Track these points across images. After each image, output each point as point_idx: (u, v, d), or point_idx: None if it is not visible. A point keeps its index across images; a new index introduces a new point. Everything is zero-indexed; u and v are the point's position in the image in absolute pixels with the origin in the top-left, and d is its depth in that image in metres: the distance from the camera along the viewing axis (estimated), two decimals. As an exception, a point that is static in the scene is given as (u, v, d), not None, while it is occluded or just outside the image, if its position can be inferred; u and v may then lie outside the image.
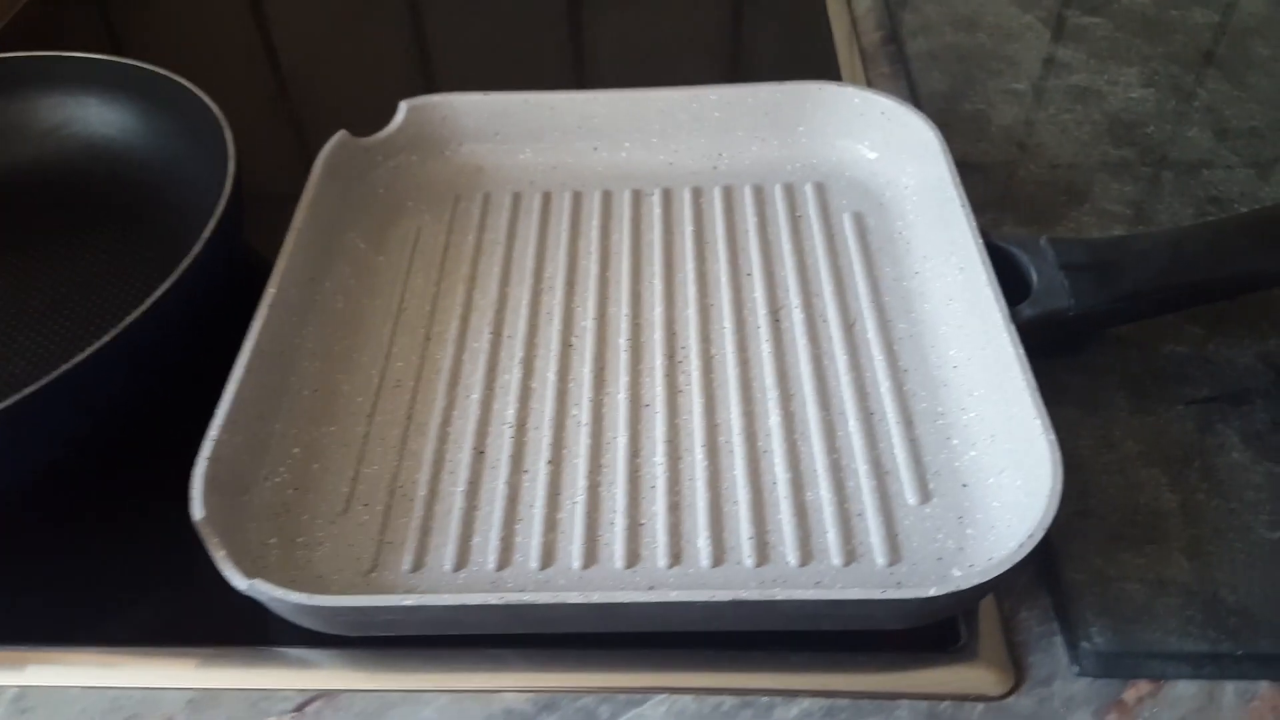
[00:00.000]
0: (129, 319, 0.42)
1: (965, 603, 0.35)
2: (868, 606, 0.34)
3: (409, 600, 0.34)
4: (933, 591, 0.33)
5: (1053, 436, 0.37)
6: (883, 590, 0.34)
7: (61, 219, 0.57)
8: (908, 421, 0.43)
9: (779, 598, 0.34)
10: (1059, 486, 0.36)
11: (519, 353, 0.47)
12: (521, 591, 0.38)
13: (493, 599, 0.34)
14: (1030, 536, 0.35)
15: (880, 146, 0.54)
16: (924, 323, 0.47)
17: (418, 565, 0.40)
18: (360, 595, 0.35)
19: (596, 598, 0.34)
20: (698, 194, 0.55)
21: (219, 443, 0.39)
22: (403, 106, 0.55)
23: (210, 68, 0.70)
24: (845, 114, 0.55)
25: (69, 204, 0.58)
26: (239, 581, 0.35)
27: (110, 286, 0.53)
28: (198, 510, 0.37)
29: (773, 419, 0.44)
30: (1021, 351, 0.41)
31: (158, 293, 0.42)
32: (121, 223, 0.56)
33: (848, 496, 0.41)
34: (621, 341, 0.48)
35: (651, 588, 0.38)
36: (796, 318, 0.48)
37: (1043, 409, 0.38)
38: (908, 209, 0.52)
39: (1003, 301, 0.42)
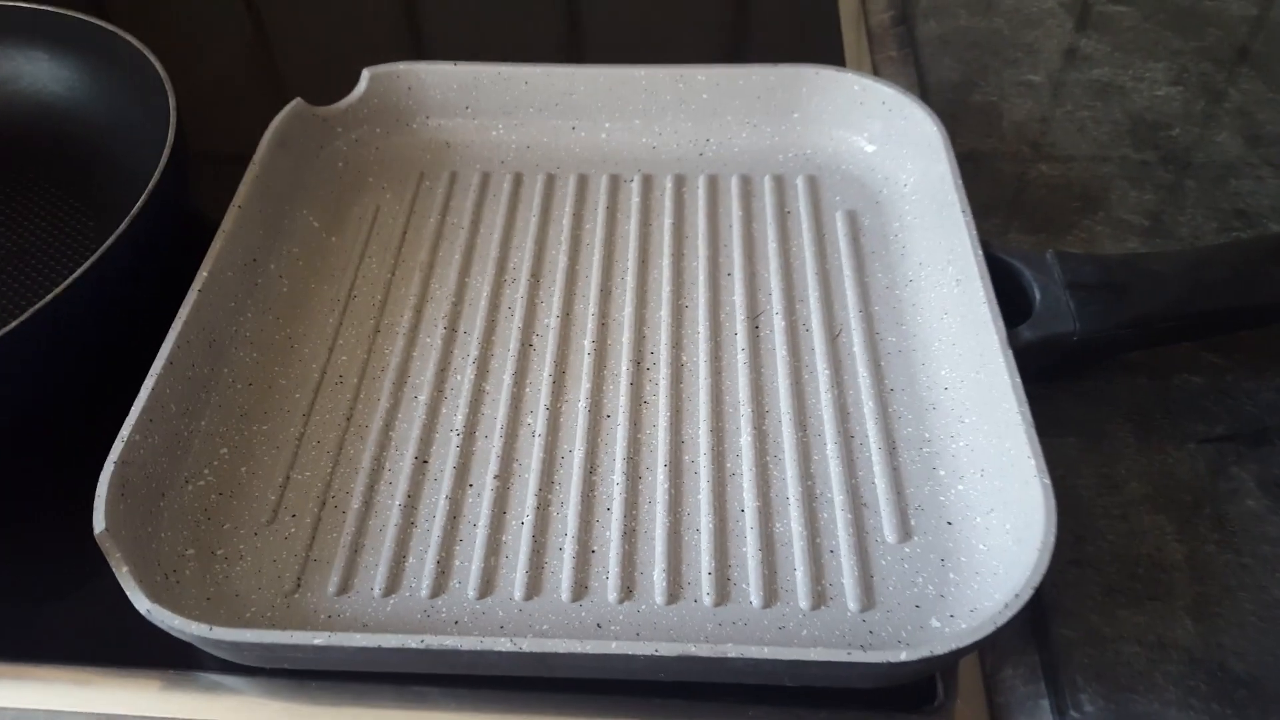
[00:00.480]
0: (44, 300, 0.38)
1: (940, 666, 0.32)
2: (831, 667, 0.31)
3: (318, 639, 0.31)
4: (903, 656, 0.30)
5: (1047, 481, 0.34)
6: (848, 652, 0.30)
7: (1, 180, 0.53)
8: (891, 448, 0.40)
9: (731, 654, 0.30)
10: (1051, 539, 0.32)
11: (474, 351, 0.43)
12: (455, 623, 0.35)
13: (412, 642, 0.30)
14: (1016, 596, 0.31)
15: (880, 139, 0.50)
16: (915, 337, 0.43)
17: (344, 588, 0.36)
18: (267, 630, 0.31)
19: (527, 646, 0.30)
20: (680, 182, 0.51)
21: (131, 444, 0.36)
22: (365, 74, 0.51)
23: (177, 26, 0.65)
24: (843, 102, 0.51)
25: (10, 163, 0.54)
26: (140, 603, 0.32)
27: (46, 256, 0.49)
28: (99, 521, 0.33)
29: (744, 438, 0.40)
30: (1018, 380, 0.37)
31: (75, 275, 0.38)
32: (64, 186, 0.53)
33: (820, 530, 0.37)
34: (586, 343, 0.44)
35: (598, 625, 0.35)
36: (777, 325, 0.44)
37: (1037, 448, 0.35)
38: (905, 209, 0.48)
39: (1000, 322, 0.39)
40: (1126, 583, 0.36)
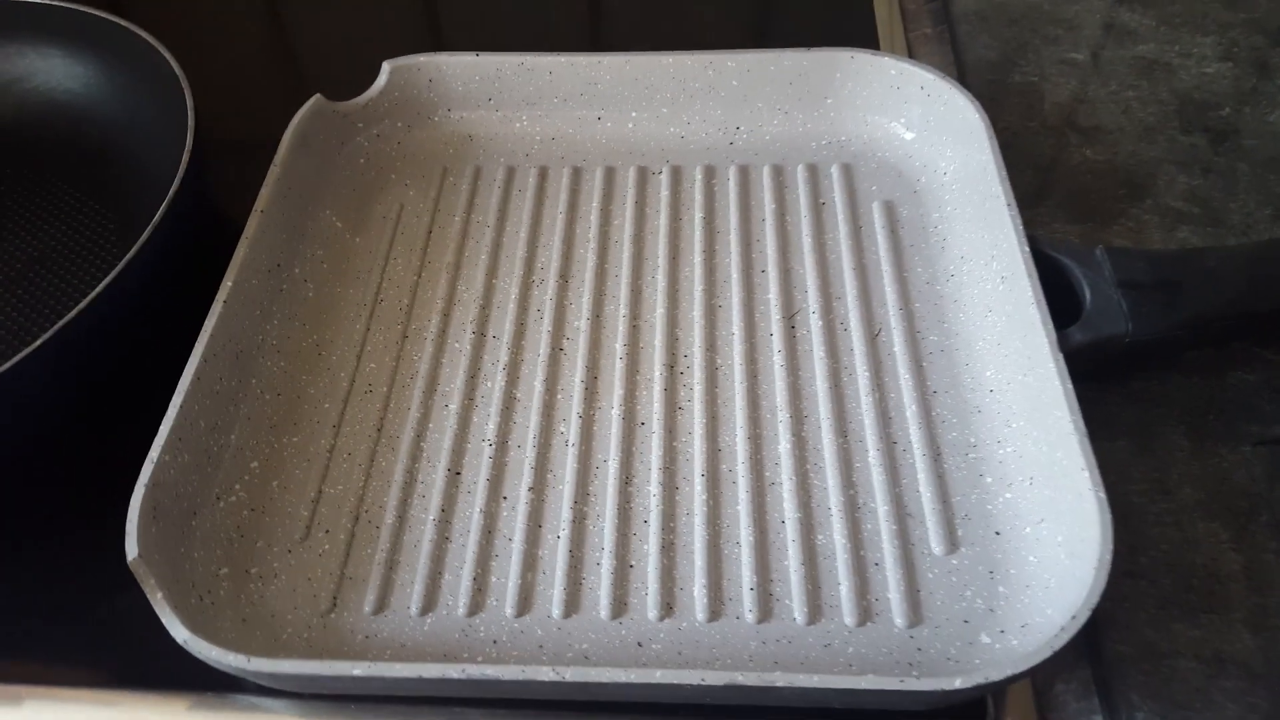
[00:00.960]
0: (68, 317, 0.37)
1: (994, 690, 0.31)
2: (884, 694, 0.30)
3: (357, 670, 0.30)
4: (958, 683, 0.29)
5: (1103, 495, 0.33)
6: (900, 680, 0.29)
7: (16, 182, 0.52)
8: (935, 454, 0.39)
9: (780, 684, 0.29)
10: (1108, 558, 0.31)
11: (504, 357, 0.42)
12: (494, 642, 0.34)
13: (452, 672, 0.30)
14: (1073, 619, 0.30)
15: (918, 126, 0.49)
16: (958, 336, 0.42)
17: (381, 606, 0.35)
18: (304, 660, 0.31)
19: (570, 675, 0.30)
20: (710, 173, 0.49)
21: (160, 466, 0.35)
22: (385, 67, 0.49)
23: (192, 20, 0.64)
24: (879, 87, 0.49)
25: (27, 163, 0.53)
26: (178, 632, 0.31)
27: (66, 260, 0.49)
28: (132, 548, 0.33)
29: (782, 445, 0.39)
30: (1069, 386, 0.35)
31: (96, 290, 0.38)
32: (81, 187, 0.52)
33: (864, 542, 0.36)
34: (618, 346, 0.43)
35: (639, 643, 0.34)
36: (814, 324, 0.43)
37: (1092, 460, 0.33)
38: (945, 199, 0.47)
39: (1050, 325, 0.37)
40: (1181, 594, 0.35)
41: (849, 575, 0.35)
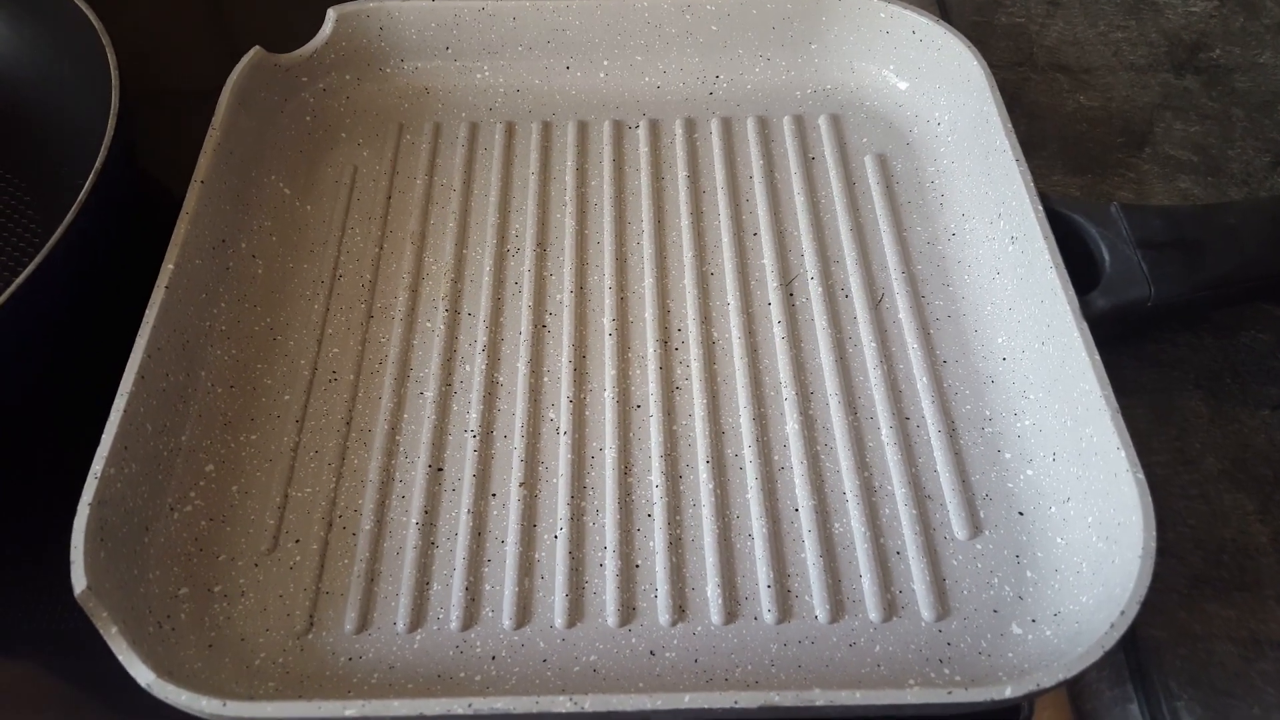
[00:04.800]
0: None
1: (1044, 693, 0.29)
2: (929, 707, 0.28)
3: (350, 710, 0.27)
4: (1008, 692, 0.27)
5: (1141, 476, 0.31)
6: (948, 691, 0.27)
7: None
8: (950, 429, 0.36)
9: (819, 702, 0.27)
10: (1153, 545, 0.30)
11: (482, 336, 0.39)
12: (493, 658, 0.32)
13: (458, 707, 0.27)
14: (1122, 614, 0.28)
15: (909, 73, 0.46)
16: (964, 300, 0.40)
17: (363, 624, 0.32)
18: (288, 701, 0.28)
19: (590, 705, 0.27)
20: (691, 126, 0.46)
21: (105, 480, 0.31)
22: (331, 15, 0.45)
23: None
24: (868, 31, 0.46)
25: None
26: (141, 674, 0.28)
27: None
28: (80, 579, 0.29)
29: (790, 425, 0.36)
30: (1097, 358, 0.33)
31: (17, 282, 0.33)
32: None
33: (883, 529, 0.34)
34: (605, 321, 0.39)
35: (651, 652, 0.32)
36: (813, 291, 0.40)
37: (1127, 438, 0.32)
38: (941, 152, 0.44)
39: (1071, 290, 0.35)
40: (1212, 571, 0.34)
41: (870, 566, 0.33)
